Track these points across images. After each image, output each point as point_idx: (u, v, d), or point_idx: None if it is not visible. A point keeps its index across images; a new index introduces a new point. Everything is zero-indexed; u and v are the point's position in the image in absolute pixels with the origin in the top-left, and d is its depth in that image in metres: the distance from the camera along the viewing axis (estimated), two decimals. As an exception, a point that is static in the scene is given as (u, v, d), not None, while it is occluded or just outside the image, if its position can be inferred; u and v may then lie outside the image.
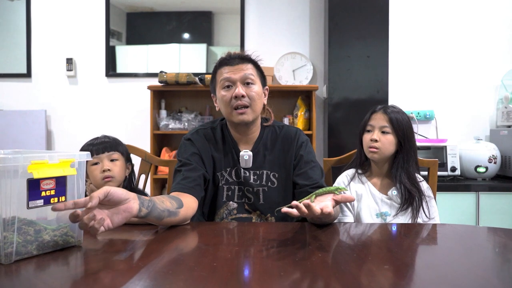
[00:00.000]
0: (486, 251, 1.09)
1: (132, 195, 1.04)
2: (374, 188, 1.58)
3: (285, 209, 1.05)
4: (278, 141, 1.51)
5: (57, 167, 0.96)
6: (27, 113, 3.18)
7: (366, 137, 1.57)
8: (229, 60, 1.43)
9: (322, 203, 1.11)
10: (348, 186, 1.60)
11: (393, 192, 1.55)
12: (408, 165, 1.53)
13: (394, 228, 1.30)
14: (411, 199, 1.51)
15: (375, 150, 1.53)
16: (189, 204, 1.29)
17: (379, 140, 1.52)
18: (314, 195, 1.21)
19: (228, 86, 1.41)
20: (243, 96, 1.39)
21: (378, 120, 1.55)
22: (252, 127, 1.47)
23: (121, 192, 1.01)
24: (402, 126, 1.52)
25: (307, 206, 1.03)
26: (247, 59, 1.44)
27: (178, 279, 0.81)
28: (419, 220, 1.52)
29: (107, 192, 0.96)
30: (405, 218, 1.53)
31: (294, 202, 1.05)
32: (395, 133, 1.52)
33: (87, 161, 1.31)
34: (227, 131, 1.51)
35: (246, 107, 1.41)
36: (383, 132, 1.53)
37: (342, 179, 1.63)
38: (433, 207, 1.57)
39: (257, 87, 1.43)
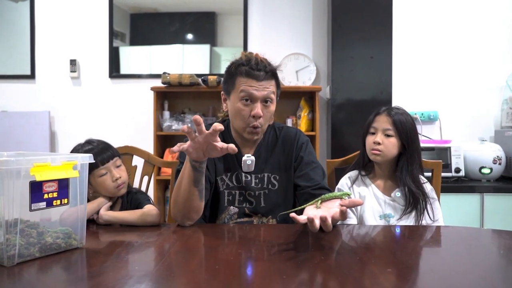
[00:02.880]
0: (491, 253, 1.08)
1: None
2: (378, 189, 1.57)
3: (294, 214, 1.01)
4: (278, 143, 1.50)
5: (60, 170, 0.96)
6: (30, 115, 3.19)
7: (369, 139, 1.56)
8: (256, 72, 1.35)
9: (331, 210, 1.09)
10: (351, 188, 1.59)
11: (396, 193, 1.54)
12: (412, 168, 1.53)
13: (397, 231, 1.29)
14: (415, 201, 1.50)
15: (378, 152, 1.52)
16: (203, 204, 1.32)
17: (382, 142, 1.52)
18: (320, 201, 1.19)
19: (247, 100, 1.37)
20: (260, 116, 1.37)
21: (382, 122, 1.54)
22: None
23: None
24: (406, 129, 1.51)
25: (311, 221, 0.99)
26: (272, 75, 1.39)
27: (180, 282, 0.81)
28: (423, 223, 1.51)
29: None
30: (409, 221, 1.52)
31: (310, 216, 0.99)
32: (399, 135, 1.52)
33: (94, 173, 1.33)
34: (229, 134, 1.50)
35: (259, 127, 1.39)
36: (386, 135, 1.53)
37: (345, 181, 1.62)
38: (437, 209, 1.56)
39: (273, 107, 1.41)
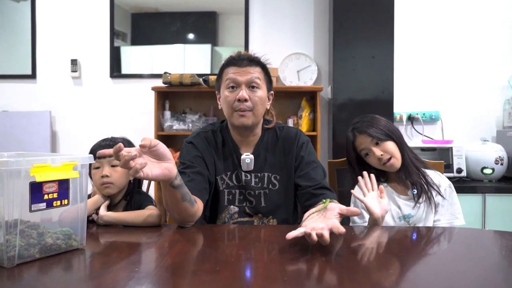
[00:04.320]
0: (492, 254, 1.08)
1: (173, 161, 1.12)
2: (394, 191, 1.57)
3: (291, 234, 0.99)
4: (279, 143, 1.50)
5: (60, 170, 0.95)
6: (31, 114, 3.19)
7: (372, 159, 1.54)
8: (238, 60, 1.41)
9: (329, 221, 1.04)
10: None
11: (413, 191, 1.53)
12: (404, 156, 1.53)
13: (399, 232, 1.29)
14: (420, 188, 1.51)
15: (389, 162, 1.51)
16: (200, 205, 1.31)
17: (383, 151, 1.51)
18: (326, 204, 1.16)
19: (232, 87, 1.40)
20: (246, 100, 1.38)
21: (363, 141, 1.54)
22: (253, 130, 1.47)
23: (167, 151, 1.09)
24: (382, 129, 1.52)
25: (308, 235, 0.97)
26: (255, 62, 1.42)
27: (181, 283, 0.81)
28: (444, 224, 1.51)
29: (157, 143, 1.05)
30: (426, 216, 1.51)
31: (307, 231, 0.97)
32: (383, 138, 1.52)
33: (90, 164, 1.34)
34: (228, 134, 1.50)
35: (248, 110, 1.40)
36: (377, 144, 1.52)
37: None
38: (456, 204, 1.55)
39: (261, 92, 1.41)
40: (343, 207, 1.08)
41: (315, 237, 0.96)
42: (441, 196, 1.53)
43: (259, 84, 1.41)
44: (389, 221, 1.53)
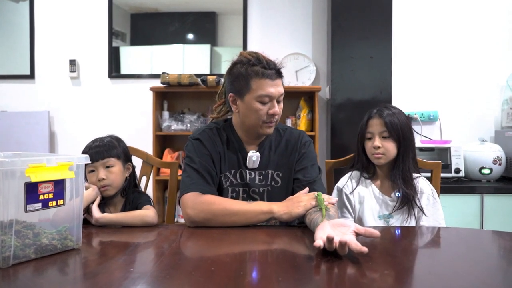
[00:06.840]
0: (491, 255, 1.08)
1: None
2: (377, 190, 1.57)
3: (318, 243, 0.96)
4: (282, 142, 1.52)
5: (55, 171, 0.95)
6: (30, 115, 3.18)
7: (368, 145, 1.56)
8: (269, 72, 1.39)
9: (346, 236, 0.98)
10: (355, 190, 1.58)
11: (396, 193, 1.53)
12: (405, 165, 1.52)
13: (396, 232, 1.29)
14: (406, 199, 1.51)
15: (380, 156, 1.52)
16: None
17: (382, 146, 1.51)
18: (325, 211, 1.15)
19: (265, 102, 1.40)
20: (277, 114, 1.42)
21: (376, 126, 1.54)
22: None
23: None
24: (398, 129, 1.51)
25: (331, 241, 0.95)
26: (280, 74, 1.44)
27: (175, 283, 0.81)
28: (423, 219, 1.50)
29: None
30: (408, 221, 1.51)
31: (330, 235, 0.94)
32: (392, 137, 1.51)
33: (85, 166, 1.36)
34: (232, 132, 1.51)
35: (275, 122, 1.45)
36: (383, 137, 1.52)
37: (352, 184, 1.60)
38: (438, 210, 1.55)
39: (282, 104, 1.46)
40: (360, 227, 1.02)
41: (337, 244, 0.94)
42: (423, 211, 1.52)
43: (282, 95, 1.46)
44: (369, 219, 1.53)
